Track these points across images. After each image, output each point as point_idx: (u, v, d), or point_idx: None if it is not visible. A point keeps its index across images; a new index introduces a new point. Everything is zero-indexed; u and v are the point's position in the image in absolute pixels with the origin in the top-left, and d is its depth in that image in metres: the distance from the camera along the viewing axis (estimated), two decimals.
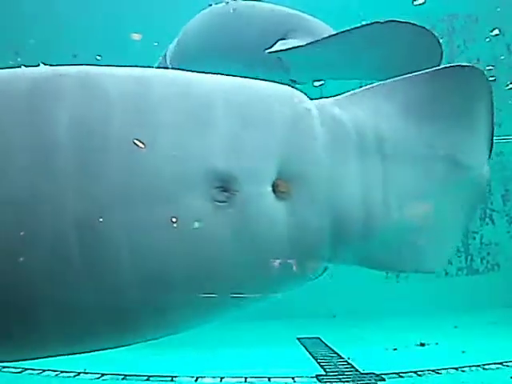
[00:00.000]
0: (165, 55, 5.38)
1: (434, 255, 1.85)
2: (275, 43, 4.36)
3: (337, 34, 3.95)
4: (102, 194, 1.39)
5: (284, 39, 4.37)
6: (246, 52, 4.52)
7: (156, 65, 5.48)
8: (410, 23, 3.75)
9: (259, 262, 1.54)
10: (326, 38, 4.05)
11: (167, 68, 5.29)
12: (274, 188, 1.53)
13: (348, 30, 3.81)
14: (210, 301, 1.53)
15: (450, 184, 1.82)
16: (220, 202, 1.46)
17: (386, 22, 3.70)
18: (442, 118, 1.81)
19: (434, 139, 1.79)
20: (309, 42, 4.19)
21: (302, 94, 1.72)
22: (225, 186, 1.47)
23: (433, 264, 1.86)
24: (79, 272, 1.38)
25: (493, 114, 1.93)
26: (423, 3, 6.26)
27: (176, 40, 5.20)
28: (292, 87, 1.72)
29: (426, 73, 1.82)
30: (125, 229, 1.39)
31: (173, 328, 1.67)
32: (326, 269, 1.84)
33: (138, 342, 1.69)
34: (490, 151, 1.96)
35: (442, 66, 1.89)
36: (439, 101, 1.82)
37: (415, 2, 6.31)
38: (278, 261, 1.56)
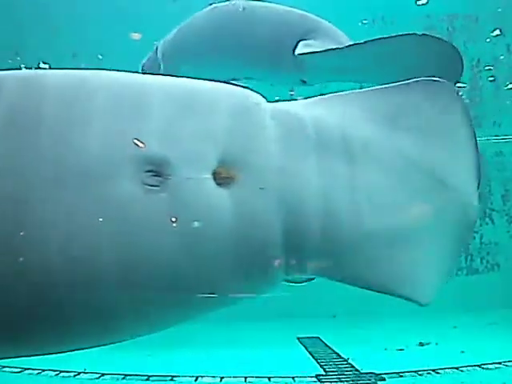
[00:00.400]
0: (156, 50, 5.37)
1: (422, 281, 1.71)
2: (297, 44, 4.39)
3: (374, 40, 4.05)
4: (33, 176, 1.40)
5: (303, 40, 4.40)
6: (257, 51, 4.53)
7: (144, 60, 5.49)
8: (442, 39, 3.94)
9: (199, 250, 1.47)
10: (363, 42, 4.12)
11: (157, 63, 5.30)
12: (215, 175, 1.50)
13: (385, 38, 3.93)
14: (142, 294, 1.46)
15: (434, 202, 1.73)
16: (151, 186, 1.44)
17: (423, 35, 3.90)
18: (417, 131, 1.76)
19: (409, 151, 1.73)
20: (332, 45, 4.26)
21: (256, 94, 1.71)
22: (157, 170, 1.46)
23: (422, 292, 1.70)
24: (9, 257, 1.37)
25: (474, 136, 1.82)
26: (426, 3, 6.27)
27: (171, 35, 5.18)
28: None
29: (399, 85, 1.80)
30: (53, 212, 1.38)
31: (109, 321, 1.54)
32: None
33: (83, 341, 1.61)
34: (479, 184, 1.85)
35: (413, 79, 1.83)
36: (411, 113, 1.78)
37: (418, 2, 6.33)
38: (220, 252, 1.49)
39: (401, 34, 3.88)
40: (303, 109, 1.70)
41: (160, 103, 1.54)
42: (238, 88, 1.71)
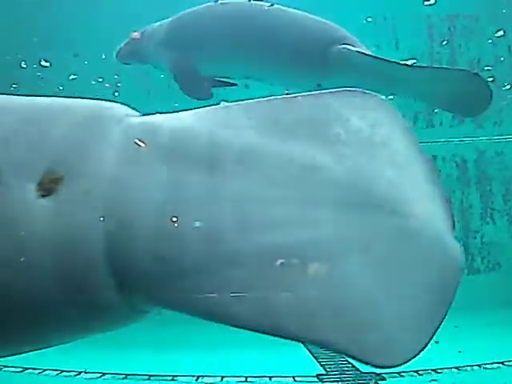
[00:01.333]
0: (140, 35, 5.35)
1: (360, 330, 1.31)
2: (333, 47, 4.47)
3: (435, 67, 4.77)
4: None
5: (335, 46, 4.47)
6: (280, 53, 4.56)
7: (120, 45, 5.49)
8: (486, 82, 4.36)
9: (14, 264, 1.38)
10: (426, 67, 4.61)
11: (139, 49, 5.29)
12: (39, 185, 1.46)
13: (445, 68, 4.75)
14: None
15: (364, 223, 1.43)
16: None
17: (474, 73, 4.39)
18: (339, 142, 1.53)
19: (324, 164, 1.48)
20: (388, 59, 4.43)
21: (121, 106, 1.64)
22: None
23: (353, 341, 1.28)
24: None
25: (419, 150, 1.61)
26: (434, 3, 6.29)
27: (166, 24, 5.15)
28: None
29: (309, 95, 1.62)
30: None
31: None
32: None
33: None
34: (453, 219, 1.57)
35: (329, 90, 1.64)
36: (329, 124, 1.57)
37: (426, 3, 6.34)
38: (37, 268, 1.38)
39: (459, 68, 4.72)
40: (173, 119, 1.59)
41: (2, 116, 1.55)
42: (92, 101, 1.65)
